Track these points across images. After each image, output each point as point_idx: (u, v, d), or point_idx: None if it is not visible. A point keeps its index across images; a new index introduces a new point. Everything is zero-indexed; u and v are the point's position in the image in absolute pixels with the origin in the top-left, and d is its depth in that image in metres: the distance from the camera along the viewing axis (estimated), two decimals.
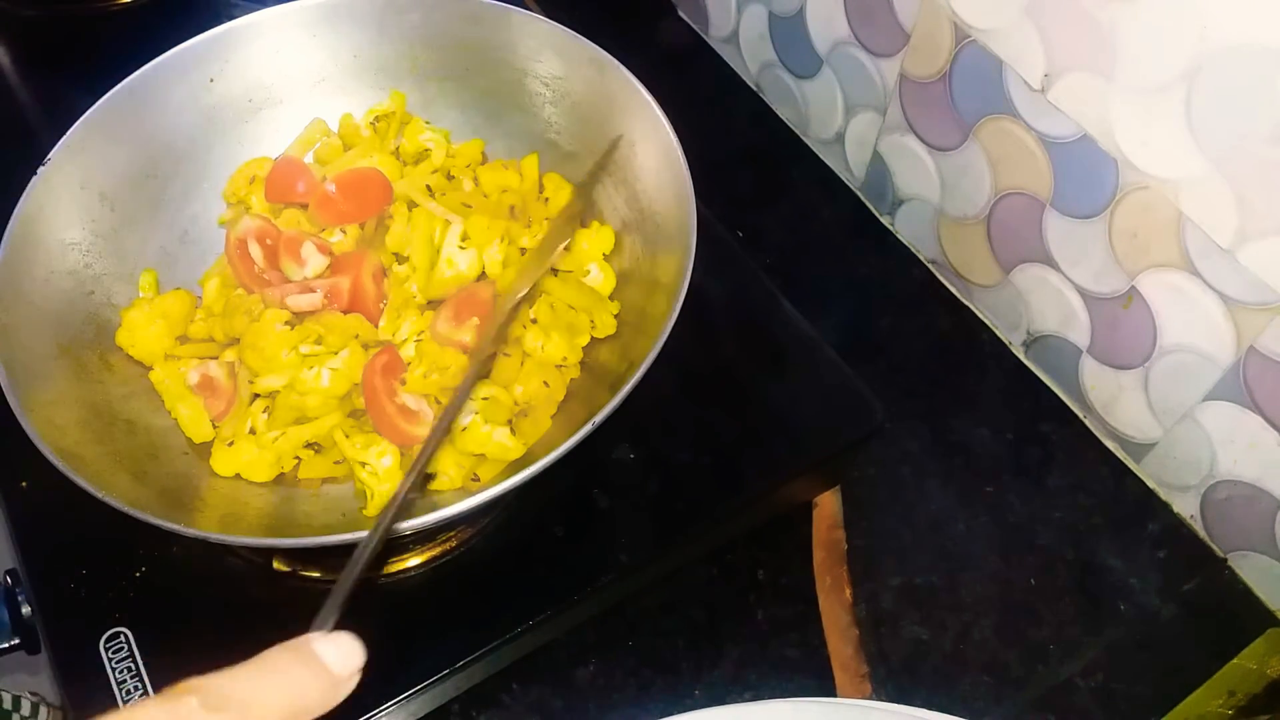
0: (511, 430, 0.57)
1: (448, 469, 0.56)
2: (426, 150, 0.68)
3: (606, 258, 0.64)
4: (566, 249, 0.62)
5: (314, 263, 0.62)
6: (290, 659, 0.31)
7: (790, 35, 0.84)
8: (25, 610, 0.59)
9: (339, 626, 0.35)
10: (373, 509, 0.55)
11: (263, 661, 0.31)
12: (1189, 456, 0.67)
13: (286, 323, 0.59)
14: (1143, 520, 0.69)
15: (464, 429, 0.57)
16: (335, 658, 0.32)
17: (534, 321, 0.60)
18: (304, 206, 0.66)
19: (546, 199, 0.66)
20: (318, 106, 0.69)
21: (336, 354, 0.58)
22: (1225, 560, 0.67)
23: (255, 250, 0.64)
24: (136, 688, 0.53)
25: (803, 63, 0.84)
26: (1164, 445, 0.68)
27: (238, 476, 0.57)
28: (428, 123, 0.69)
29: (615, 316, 0.62)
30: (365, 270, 0.62)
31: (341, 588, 0.37)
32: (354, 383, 0.58)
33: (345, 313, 0.61)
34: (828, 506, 0.68)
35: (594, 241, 0.64)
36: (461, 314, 0.60)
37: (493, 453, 0.56)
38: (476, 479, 0.56)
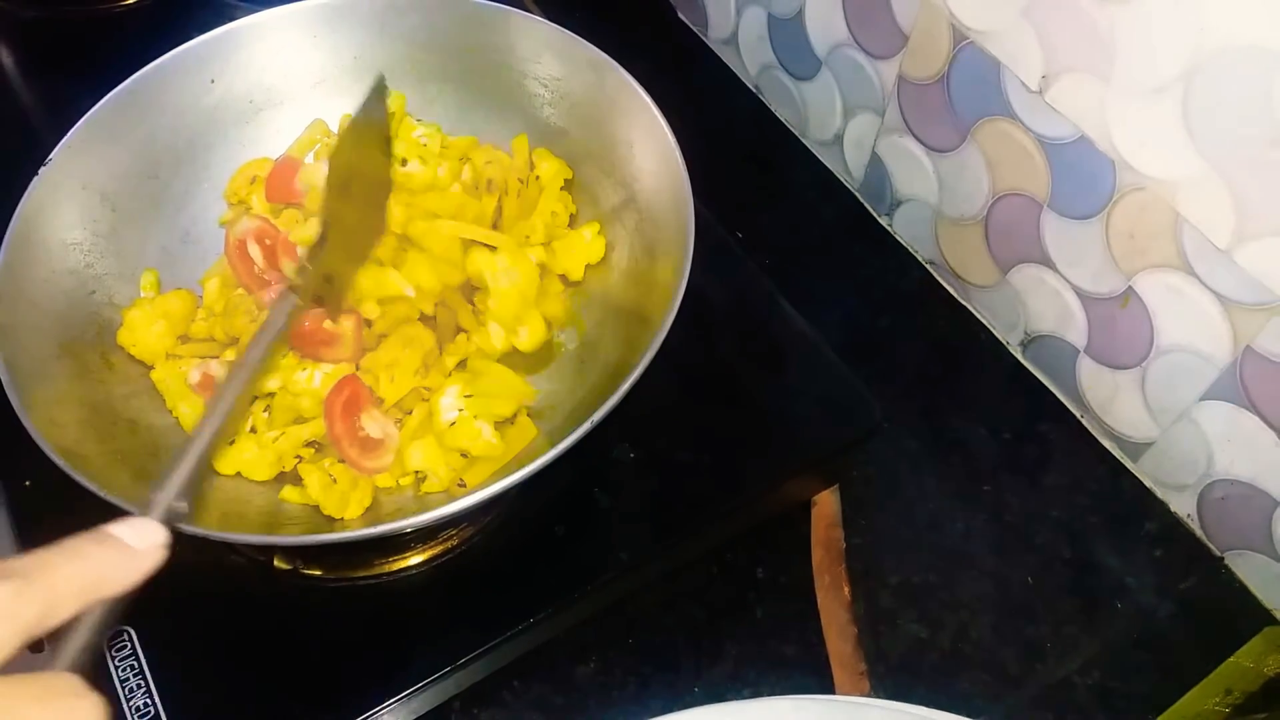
0: (498, 430, 0.57)
1: (436, 470, 0.56)
2: (420, 145, 0.68)
3: (606, 258, 0.65)
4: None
5: None
6: (83, 538, 0.33)
7: (789, 37, 0.84)
8: None
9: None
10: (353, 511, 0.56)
11: (60, 543, 0.33)
12: (1186, 456, 0.67)
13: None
14: (1140, 519, 0.69)
15: (452, 424, 0.57)
16: (129, 534, 0.34)
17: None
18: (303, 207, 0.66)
19: (537, 176, 0.67)
20: (318, 107, 0.69)
21: (353, 360, 0.59)
22: (1222, 559, 0.68)
23: (254, 250, 0.64)
24: (140, 686, 0.53)
25: (801, 64, 0.85)
26: (1161, 445, 0.68)
27: (238, 475, 0.57)
28: (419, 120, 0.69)
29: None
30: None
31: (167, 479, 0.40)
32: None
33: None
34: (826, 505, 0.68)
35: (584, 250, 0.64)
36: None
37: (480, 451, 0.57)
38: (463, 484, 0.57)
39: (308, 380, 0.58)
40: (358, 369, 0.60)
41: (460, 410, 0.57)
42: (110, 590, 0.33)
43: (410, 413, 0.59)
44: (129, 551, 0.34)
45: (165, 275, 0.64)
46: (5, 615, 0.29)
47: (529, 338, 0.61)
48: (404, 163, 0.66)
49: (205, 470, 0.44)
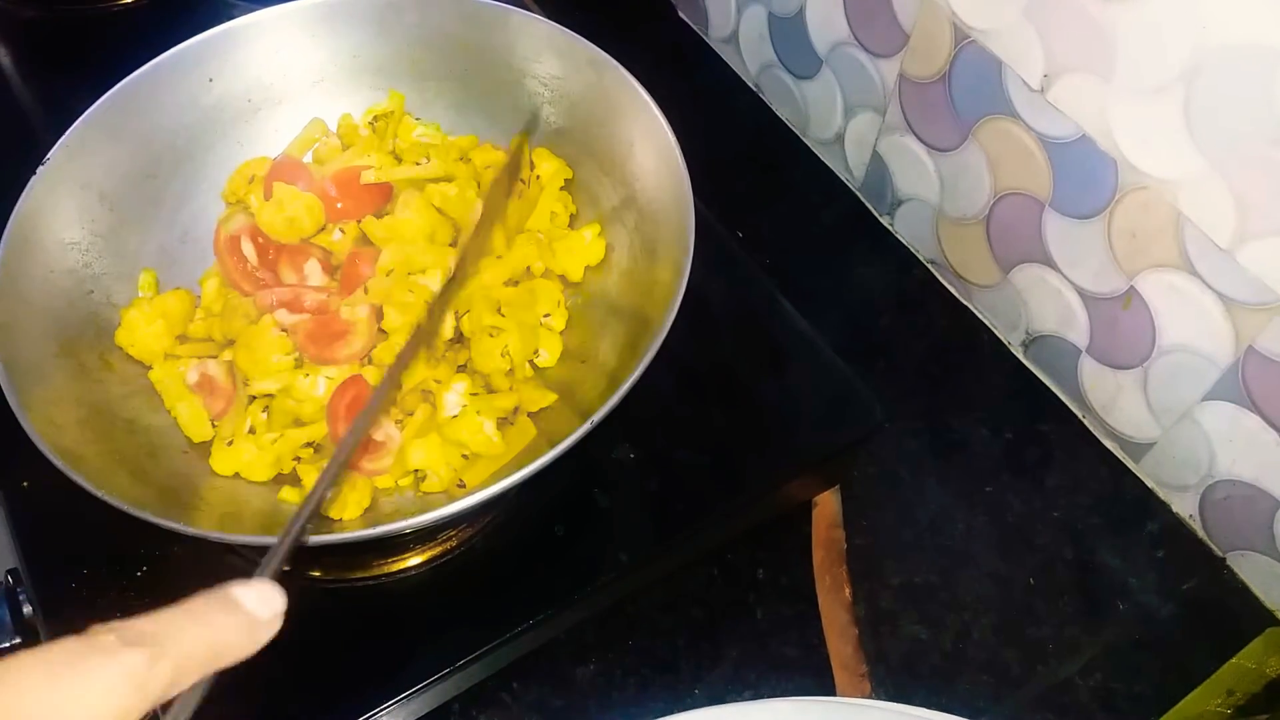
0: (499, 429, 0.57)
1: (436, 469, 0.56)
2: (421, 145, 0.68)
3: (606, 259, 0.65)
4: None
5: (315, 280, 0.63)
6: (209, 603, 0.32)
7: (790, 36, 0.84)
8: (26, 610, 0.58)
9: None
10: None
11: (181, 605, 0.32)
12: (1188, 456, 0.67)
13: (282, 328, 0.59)
14: (1142, 520, 0.69)
15: (454, 417, 0.57)
16: (254, 602, 0.33)
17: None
18: None
19: (537, 176, 0.67)
20: (317, 106, 0.69)
21: (367, 352, 0.58)
22: (1224, 560, 0.67)
23: (248, 248, 0.64)
24: None
25: (802, 63, 0.85)
26: (1163, 445, 0.68)
27: (237, 475, 0.57)
28: (418, 119, 0.69)
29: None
30: (363, 263, 0.62)
31: (274, 555, 0.39)
32: None
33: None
34: (827, 506, 0.68)
35: (584, 251, 0.64)
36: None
37: (479, 448, 0.56)
38: (462, 484, 0.56)
39: (310, 386, 0.58)
40: (370, 361, 0.60)
41: (464, 405, 0.57)
42: (230, 660, 0.32)
43: (412, 414, 0.59)
44: (250, 621, 0.33)
45: (163, 275, 0.64)
46: (137, 686, 0.29)
47: (549, 357, 0.62)
48: (418, 162, 0.67)
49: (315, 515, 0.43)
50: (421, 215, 0.64)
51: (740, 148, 0.89)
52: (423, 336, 0.55)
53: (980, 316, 0.79)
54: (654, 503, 0.61)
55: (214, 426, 0.59)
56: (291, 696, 0.54)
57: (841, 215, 0.85)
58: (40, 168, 0.58)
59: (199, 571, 0.58)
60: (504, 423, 0.58)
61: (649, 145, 0.61)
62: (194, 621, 0.31)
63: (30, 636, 0.59)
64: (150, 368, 0.60)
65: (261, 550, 0.58)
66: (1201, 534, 0.68)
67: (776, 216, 0.84)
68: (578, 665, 0.61)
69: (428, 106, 0.70)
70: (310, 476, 0.55)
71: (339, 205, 0.65)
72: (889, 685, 0.62)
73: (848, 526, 0.67)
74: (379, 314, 0.60)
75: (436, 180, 0.67)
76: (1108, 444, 0.72)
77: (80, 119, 0.60)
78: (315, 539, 0.52)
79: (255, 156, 0.68)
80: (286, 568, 0.59)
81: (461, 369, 0.61)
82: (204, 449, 0.58)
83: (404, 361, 0.53)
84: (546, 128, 0.68)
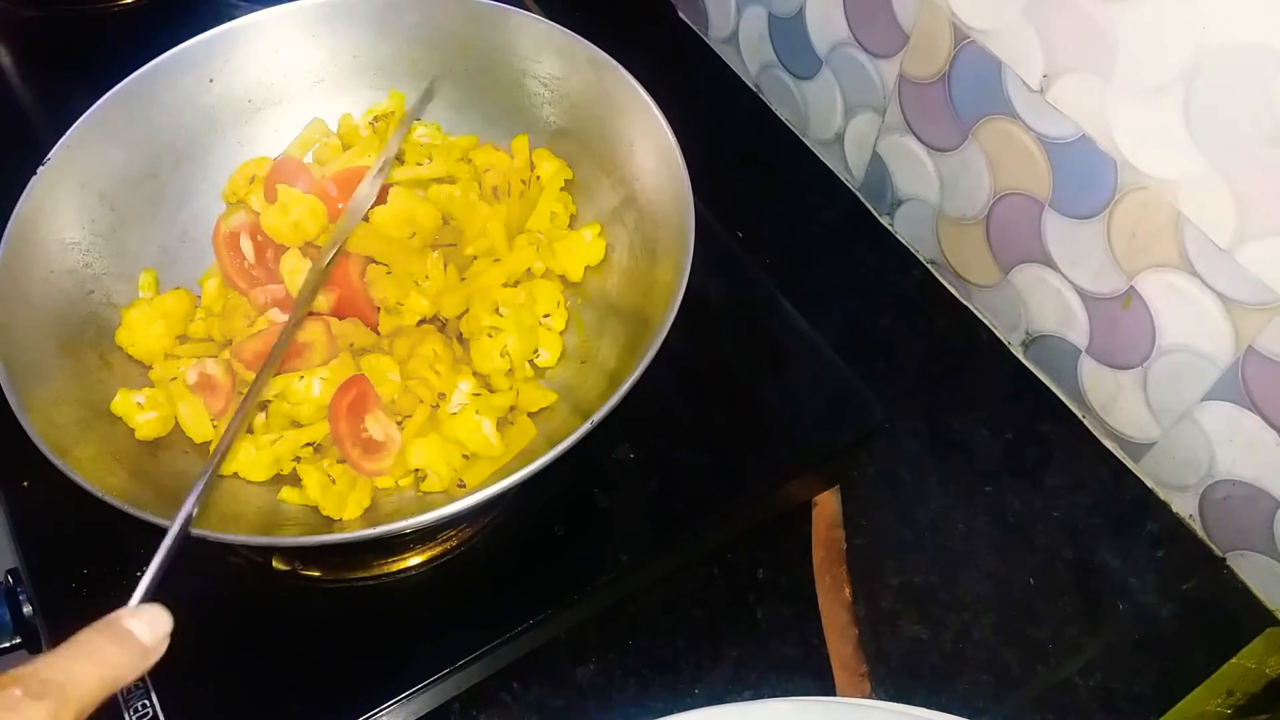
0: (499, 429, 0.57)
1: (437, 468, 0.56)
2: (422, 145, 0.68)
3: (606, 259, 0.65)
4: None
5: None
6: (101, 638, 0.34)
7: (790, 36, 0.84)
8: (26, 610, 0.59)
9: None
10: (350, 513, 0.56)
11: (76, 643, 0.34)
12: (1188, 456, 0.67)
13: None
14: (1142, 520, 0.69)
15: (454, 415, 0.57)
16: (143, 630, 0.35)
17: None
18: None
19: (537, 176, 0.67)
20: (317, 106, 0.69)
21: (326, 361, 0.58)
22: (1224, 560, 0.67)
23: (246, 245, 0.64)
24: (138, 687, 0.53)
25: (802, 63, 0.85)
26: (1163, 445, 0.68)
27: (236, 475, 0.57)
28: (419, 120, 0.69)
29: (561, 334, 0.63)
30: (354, 275, 0.62)
31: (157, 560, 0.41)
32: None
33: (340, 319, 0.61)
34: (827, 506, 0.68)
35: (584, 251, 0.64)
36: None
37: (477, 447, 0.56)
38: (462, 484, 0.56)
39: (306, 389, 0.58)
40: (388, 351, 0.60)
41: (465, 404, 0.57)
42: (122, 684, 0.34)
43: (411, 416, 0.59)
44: (141, 649, 0.35)
45: (164, 275, 0.64)
46: None
47: (549, 357, 0.62)
48: (419, 163, 0.67)
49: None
50: (402, 206, 0.64)
51: (740, 148, 0.89)
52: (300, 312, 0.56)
53: (980, 316, 0.79)
54: (654, 503, 0.61)
55: (214, 426, 0.59)
56: (291, 696, 0.54)
57: (841, 215, 0.85)
58: (40, 168, 0.58)
59: (199, 571, 0.58)
60: (504, 423, 0.58)
61: (649, 145, 0.61)
62: (91, 661, 0.33)
63: (30, 636, 0.59)
64: (150, 367, 0.60)
65: (261, 550, 0.58)
66: (1201, 534, 0.68)
67: (776, 216, 0.84)
68: (578, 665, 0.61)
69: (428, 106, 0.70)
70: (310, 476, 0.55)
71: (340, 206, 0.65)
72: (889, 685, 0.62)
73: (848, 526, 0.67)
74: (331, 331, 0.60)
75: (437, 181, 0.67)
76: (1108, 444, 0.72)
77: (81, 119, 0.60)
78: (315, 539, 0.52)
79: (255, 156, 0.68)
80: (285, 567, 0.59)
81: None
82: (204, 449, 0.58)
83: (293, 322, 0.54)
84: (547, 128, 0.68)
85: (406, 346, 0.60)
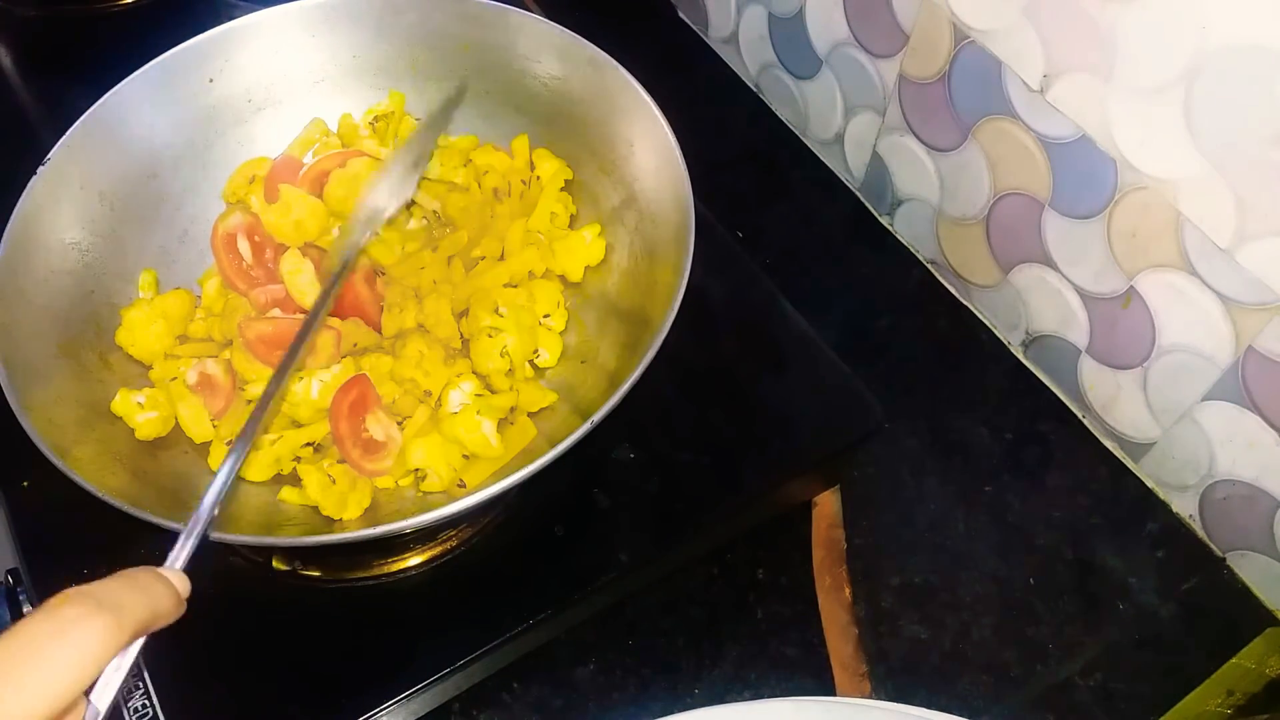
0: (499, 429, 0.57)
1: (437, 468, 0.56)
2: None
3: (606, 259, 0.65)
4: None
5: (307, 281, 0.63)
6: (148, 575, 0.37)
7: (790, 36, 0.84)
8: (26, 609, 0.58)
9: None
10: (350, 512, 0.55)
11: (126, 575, 0.36)
12: (1188, 456, 0.67)
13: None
14: (1142, 520, 0.69)
15: (454, 415, 0.57)
16: (179, 581, 0.39)
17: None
18: None
19: (537, 176, 0.67)
20: (317, 106, 0.69)
21: (328, 367, 0.58)
22: (1224, 560, 0.67)
23: (244, 246, 0.64)
24: (138, 687, 0.53)
25: (802, 63, 0.85)
26: (1163, 445, 0.68)
27: (236, 475, 0.57)
28: (418, 119, 0.69)
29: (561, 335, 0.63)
30: (357, 275, 0.62)
31: (189, 533, 0.43)
32: None
33: (342, 319, 0.61)
34: (827, 506, 0.68)
35: (584, 251, 0.64)
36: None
37: (477, 448, 0.56)
38: (462, 484, 0.56)
39: (304, 391, 0.58)
40: (393, 356, 0.60)
41: (466, 403, 0.57)
42: (161, 625, 0.37)
43: (411, 416, 0.59)
44: (178, 597, 0.38)
45: (164, 275, 0.64)
46: (106, 646, 0.33)
47: (549, 357, 0.62)
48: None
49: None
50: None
51: (740, 148, 0.89)
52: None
53: (980, 316, 0.79)
54: (654, 503, 0.61)
55: (214, 426, 0.59)
56: (291, 696, 0.54)
57: (841, 215, 0.85)
58: (41, 168, 0.58)
59: (199, 571, 0.58)
60: (504, 423, 0.58)
61: (649, 145, 0.61)
62: (139, 590, 0.36)
63: None
64: (150, 367, 0.60)
65: (261, 549, 0.58)
66: (1201, 534, 0.68)
67: (776, 216, 0.84)
68: (578, 665, 0.61)
69: (428, 106, 0.70)
70: (310, 476, 0.55)
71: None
72: (889, 685, 0.62)
73: (848, 526, 0.67)
74: (340, 338, 0.60)
75: (437, 181, 0.67)
76: (1108, 444, 0.72)
77: (81, 119, 0.60)
78: (315, 539, 0.52)
79: (255, 156, 0.68)
80: (285, 567, 0.59)
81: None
82: (204, 449, 0.58)
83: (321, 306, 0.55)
84: (547, 128, 0.68)
85: (409, 347, 0.60)
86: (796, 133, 0.89)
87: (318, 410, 0.58)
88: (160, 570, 0.39)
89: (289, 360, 0.52)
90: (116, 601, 0.34)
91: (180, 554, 0.42)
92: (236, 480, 0.57)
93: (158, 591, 0.37)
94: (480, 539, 0.59)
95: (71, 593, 0.34)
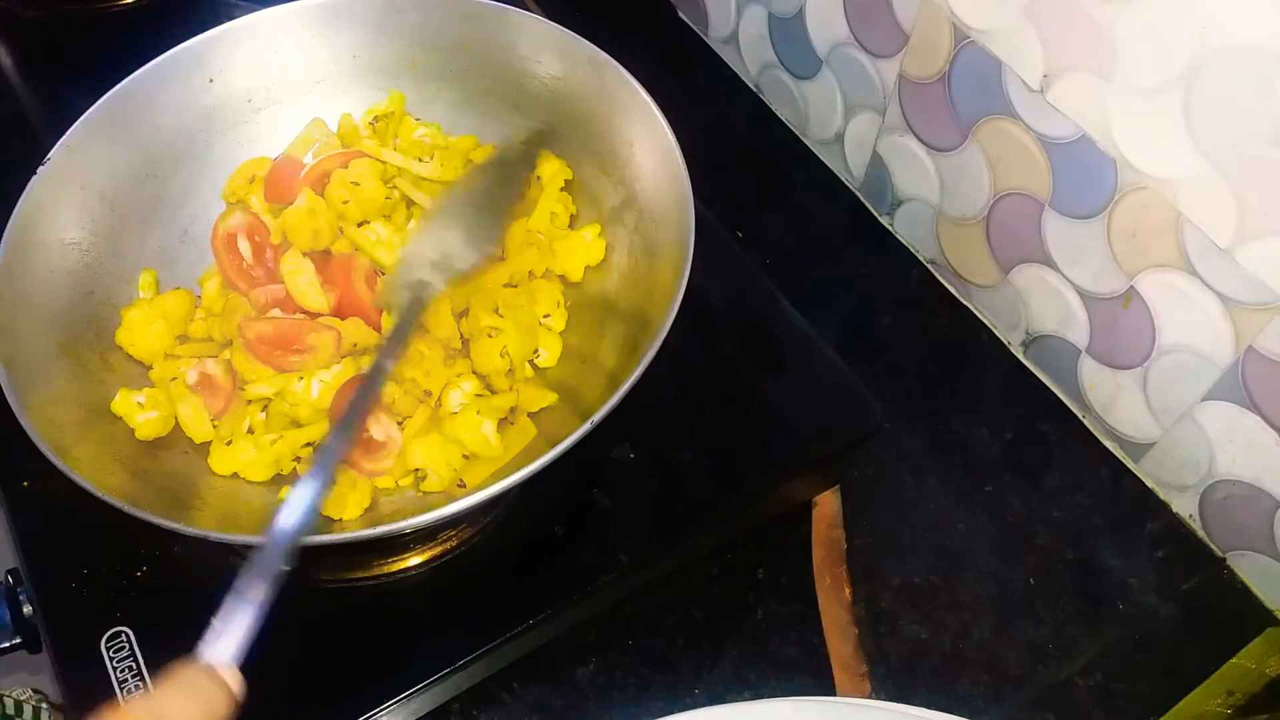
0: (499, 429, 0.57)
1: (437, 468, 0.56)
2: (422, 144, 0.68)
3: (606, 259, 0.64)
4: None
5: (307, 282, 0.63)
6: (203, 678, 0.37)
7: (790, 36, 0.84)
8: (27, 609, 0.59)
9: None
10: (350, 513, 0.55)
11: (181, 681, 0.36)
12: (1188, 456, 0.67)
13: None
14: (1141, 520, 0.69)
15: (455, 414, 0.57)
16: (234, 681, 0.38)
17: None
18: None
19: (538, 176, 0.67)
20: (317, 106, 0.69)
21: (329, 367, 0.58)
22: (1224, 560, 0.67)
23: (244, 246, 0.64)
24: (138, 686, 0.53)
25: (802, 63, 0.85)
26: (1163, 445, 0.68)
27: (236, 475, 0.57)
28: (419, 120, 0.69)
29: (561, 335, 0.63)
30: (357, 276, 0.62)
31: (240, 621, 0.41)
32: None
33: (342, 319, 0.61)
34: (827, 506, 0.68)
35: (584, 252, 0.64)
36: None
37: (478, 448, 0.56)
38: (462, 484, 0.56)
39: (304, 391, 0.58)
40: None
41: (465, 403, 0.57)
42: None
43: (411, 416, 0.59)
44: (234, 698, 0.37)
45: (164, 275, 0.64)
46: None
47: (549, 357, 0.62)
48: (420, 159, 0.67)
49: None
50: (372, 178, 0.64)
51: (740, 148, 0.89)
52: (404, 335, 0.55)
53: (980, 316, 0.79)
54: (654, 503, 0.61)
55: (214, 426, 0.59)
56: (292, 696, 0.54)
57: (841, 215, 0.85)
58: (40, 168, 0.58)
59: (199, 571, 0.58)
60: (504, 423, 0.58)
61: (649, 145, 0.61)
62: (198, 701, 0.36)
63: (30, 636, 0.59)
64: (150, 368, 0.60)
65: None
66: (1201, 534, 0.68)
67: (776, 216, 0.84)
68: (578, 665, 0.61)
69: (428, 106, 0.70)
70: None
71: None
72: (889, 685, 0.62)
73: (848, 526, 0.67)
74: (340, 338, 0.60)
75: (438, 181, 0.67)
76: (1108, 444, 0.72)
77: (80, 119, 0.60)
78: (315, 539, 0.52)
79: (255, 156, 0.68)
80: (290, 568, 0.59)
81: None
82: (204, 449, 0.58)
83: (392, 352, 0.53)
84: (547, 128, 0.68)
85: (409, 347, 0.60)
86: (796, 133, 0.89)
87: (318, 410, 0.58)
88: (216, 668, 0.38)
89: (358, 408, 0.50)
90: (171, 715, 0.35)
91: (232, 643, 0.40)
92: (238, 482, 0.57)
93: (214, 700, 0.36)
94: (480, 539, 0.59)
95: (129, 707, 0.34)
